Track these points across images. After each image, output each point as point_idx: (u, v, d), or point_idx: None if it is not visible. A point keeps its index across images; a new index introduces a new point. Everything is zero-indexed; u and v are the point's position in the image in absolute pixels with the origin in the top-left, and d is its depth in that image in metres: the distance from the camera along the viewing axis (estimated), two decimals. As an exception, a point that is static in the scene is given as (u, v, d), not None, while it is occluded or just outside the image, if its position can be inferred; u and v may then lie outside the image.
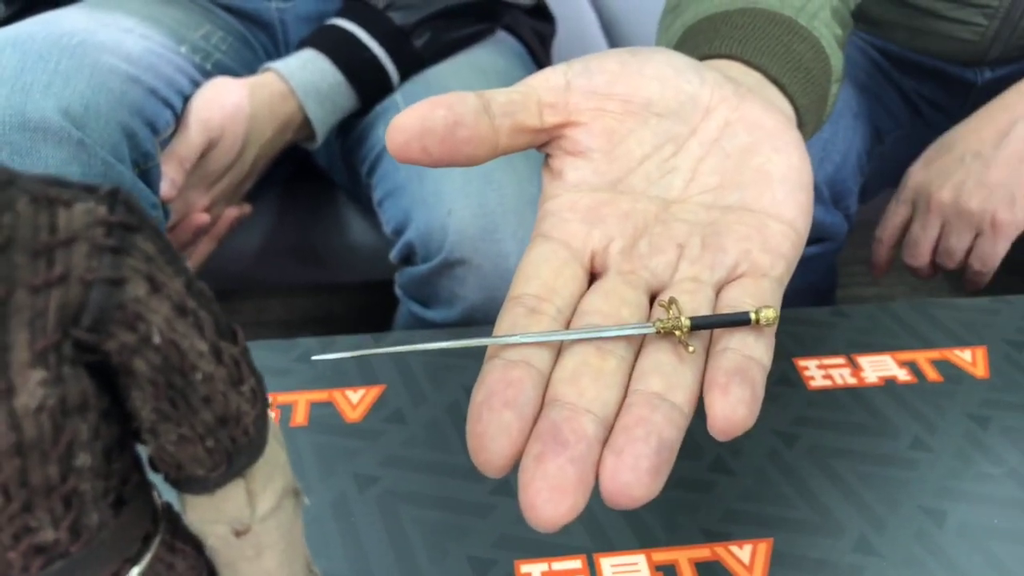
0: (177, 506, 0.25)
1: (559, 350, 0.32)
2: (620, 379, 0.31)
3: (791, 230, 0.37)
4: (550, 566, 0.48)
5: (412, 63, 0.91)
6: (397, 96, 0.90)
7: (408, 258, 0.82)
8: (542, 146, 0.39)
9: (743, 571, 0.48)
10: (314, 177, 1.07)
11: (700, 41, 0.46)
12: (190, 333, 0.21)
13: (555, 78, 0.38)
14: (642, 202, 0.37)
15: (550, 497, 0.27)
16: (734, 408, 0.29)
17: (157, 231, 0.21)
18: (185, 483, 0.23)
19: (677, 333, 0.31)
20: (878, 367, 0.62)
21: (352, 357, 0.32)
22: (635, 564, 0.48)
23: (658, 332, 0.32)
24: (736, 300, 0.34)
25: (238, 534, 0.24)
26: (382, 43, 0.89)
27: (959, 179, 0.79)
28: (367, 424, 0.56)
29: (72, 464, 0.20)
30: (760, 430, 0.57)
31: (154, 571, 0.24)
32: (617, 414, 0.30)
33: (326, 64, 0.87)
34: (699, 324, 0.32)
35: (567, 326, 0.33)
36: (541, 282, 0.34)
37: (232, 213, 0.87)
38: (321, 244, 1.06)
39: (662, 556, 0.48)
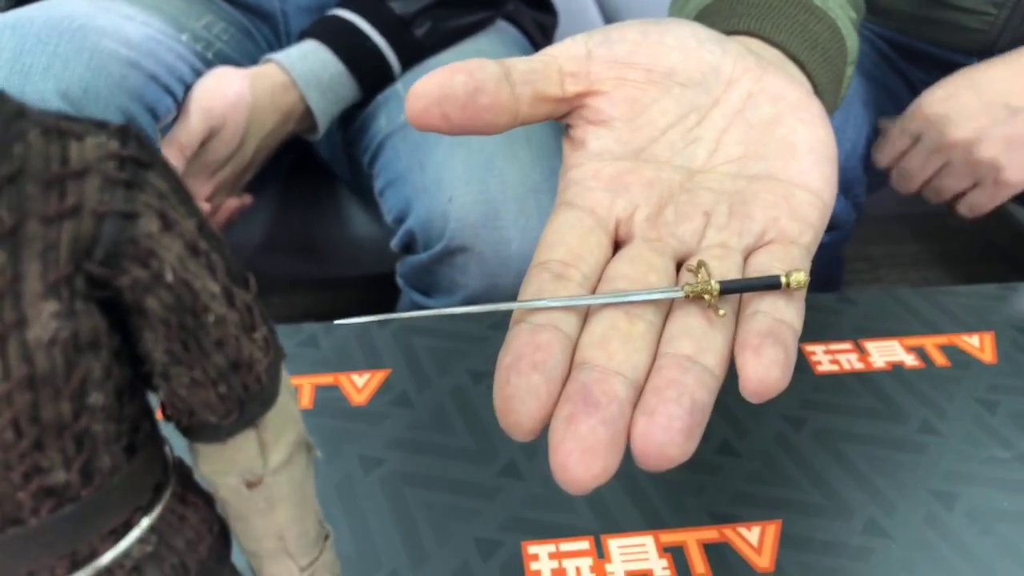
0: (189, 461, 0.25)
1: (586, 315, 0.31)
2: (649, 343, 0.31)
3: (818, 199, 0.36)
4: (557, 547, 0.47)
5: (413, 52, 0.90)
6: (398, 85, 0.90)
7: (409, 246, 0.82)
8: (562, 116, 0.38)
9: (752, 553, 0.47)
10: (315, 171, 1.07)
11: (717, 19, 0.46)
12: (202, 274, 0.21)
13: (575, 47, 0.38)
14: (666, 171, 0.37)
15: (582, 459, 0.26)
16: (768, 369, 0.29)
17: (169, 169, 0.20)
18: (197, 431, 0.23)
19: (706, 297, 0.31)
20: (885, 352, 0.61)
21: (374, 321, 0.32)
22: (643, 545, 0.48)
23: (687, 296, 0.31)
24: (765, 265, 0.33)
25: (250, 485, 0.24)
26: (383, 32, 0.88)
27: (982, 126, 0.77)
28: (372, 407, 0.56)
29: (84, 402, 0.20)
30: (767, 414, 0.56)
31: (165, 521, 0.24)
32: (647, 377, 0.29)
33: (327, 54, 0.87)
34: (729, 288, 0.31)
35: (594, 292, 0.32)
36: (567, 248, 0.33)
37: (232, 203, 0.87)
38: (322, 237, 1.06)
39: (670, 538, 0.48)
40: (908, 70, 0.94)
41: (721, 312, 0.31)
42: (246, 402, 0.23)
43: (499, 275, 0.76)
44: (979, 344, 0.62)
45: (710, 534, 0.48)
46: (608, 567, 0.46)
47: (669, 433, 0.27)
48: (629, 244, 0.35)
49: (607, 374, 0.29)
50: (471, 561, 0.47)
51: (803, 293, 0.33)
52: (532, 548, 0.47)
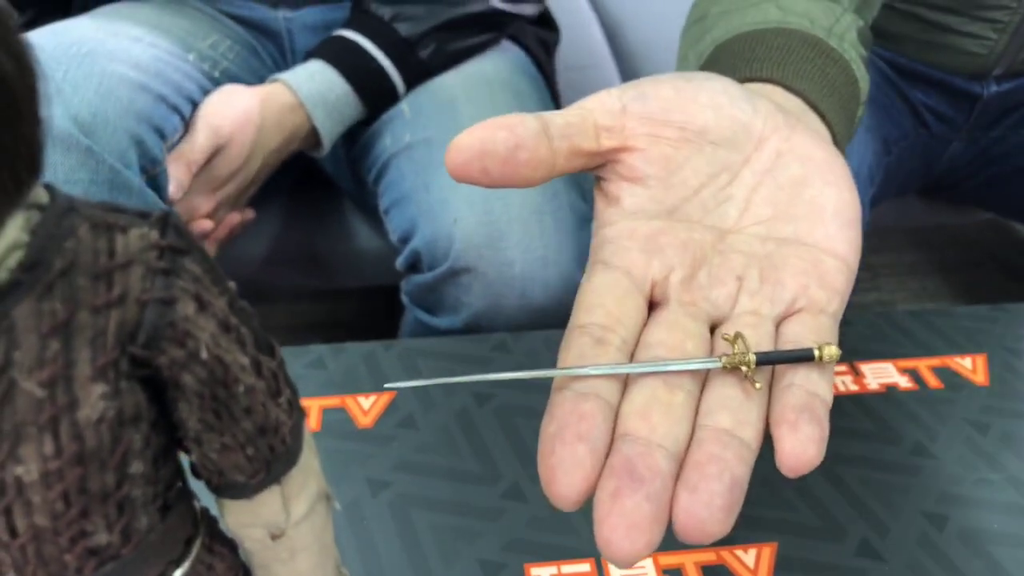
0: (214, 511, 0.26)
1: (625, 382, 0.32)
2: (688, 413, 0.31)
3: (844, 266, 0.37)
4: (559, 569, 0.49)
5: (418, 73, 0.92)
6: (403, 105, 0.91)
7: (414, 266, 0.83)
8: (595, 168, 0.39)
9: (748, 574, 0.49)
10: (320, 183, 1.08)
11: (737, 62, 0.46)
12: (233, 348, 0.22)
13: (610, 102, 0.38)
14: (698, 231, 0.37)
15: (628, 534, 0.27)
16: (805, 447, 0.30)
17: (203, 253, 0.22)
18: (226, 489, 0.24)
19: (744, 368, 0.32)
20: (880, 374, 0.63)
21: (426, 385, 0.33)
22: (642, 567, 0.49)
23: (724, 367, 0.32)
24: (797, 335, 0.34)
25: (274, 537, 0.25)
26: (388, 54, 0.90)
27: None
28: (379, 429, 0.57)
29: (127, 472, 0.21)
30: (764, 437, 0.58)
31: (195, 572, 0.25)
32: (687, 449, 0.30)
33: (333, 75, 0.88)
34: (765, 360, 0.32)
35: (631, 358, 0.33)
36: (605, 311, 0.34)
37: (234, 219, 0.88)
38: (326, 249, 1.07)
39: (669, 560, 0.49)
40: (908, 90, 0.95)
41: (757, 385, 0.32)
42: (272, 462, 0.24)
43: (502, 295, 0.77)
44: (972, 366, 0.64)
45: (708, 556, 0.50)
46: (609, 589, 0.48)
47: (711, 510, 0.28)
48: (664, 307, 0.35)
49: (650, 447, 0.29)
50: (476, 583, 0.48)
51: (833, 365, 0.34)
52: (535, 570, 0.49)
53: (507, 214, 0.77)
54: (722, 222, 0.38)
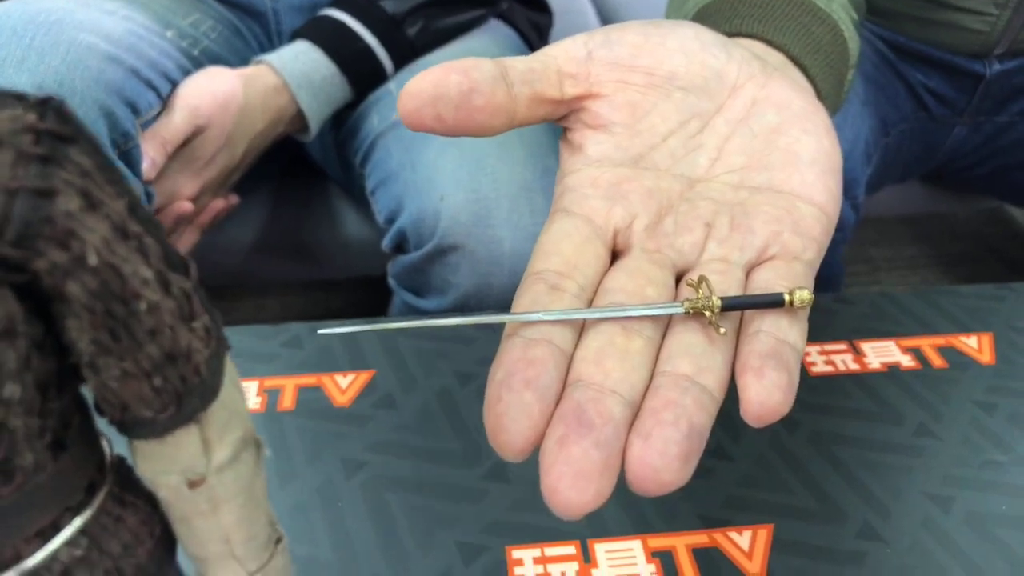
0: (131, 460, 0.24)
1: (582, 329, 0.30)
2: (647, 360, 0.29)
3: (822, 213, 0.35)
4: (543, 552, 0.46)
5: (405, 52, 0.89)
6: (391, 85, 0.89)
7: (400, 246, 0.80)
8: (560, 119, 0.37)
9: (742, 557, 0.46)
10: (307, 172, 1.06)
11: (718, 20, 0.45)
12: (132, 258, 0.20)
13: (575, 48, 0.36)
14: (666, 180, 0.35)
15: (574, 483, 0.25)
16: (770, 393, 0.28)
17: (96, 145, 0.19)
18: (132, 427, 0.22)
19: (707, 313, 0.30)
20: (881, 353, 0.60)
21: (359, 331, 0.30)
22: (630, 550, 0.46)
23: (687, 312, 0.30)
24: (768, 282, 0.32)
25: (192, 485, 0.22)
26: (375, 32, 0.87)
27: None
28: (356, 409, 0.55)
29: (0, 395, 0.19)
30: (760, 416, 0.55)
31: (99, 523, 0.22)
32: (644, 397, 0.28)
33: (319, 55, 0.86)
34: (730, 305, 0.30)
35: (590, 304, 0.31)
36: (562, 258, 0.32)
37: (218, 204, 0.85)
38: (314, 239, 1.05)
39: (658, 542, 0.47)
40: (907, 71, 0.93)
41: (722, 330, 0.30)
42: (184, 395, 0.21)
43: (491, 274, 0.74)
44: (977, 345, 0.61)
45: (700, 539, 0.47)
46: (595, 572, 0.45)
47: (665, 458, 0.26)
48: (627, 255, 0.33)
49: (602, 393, 0.27)
50: (454, 567, 0.45)
51: (806, 312, 0.32)
52: (516, 553, 0.46)
53: (496, 191, 0.74)
54: (691, 171, 0.36)
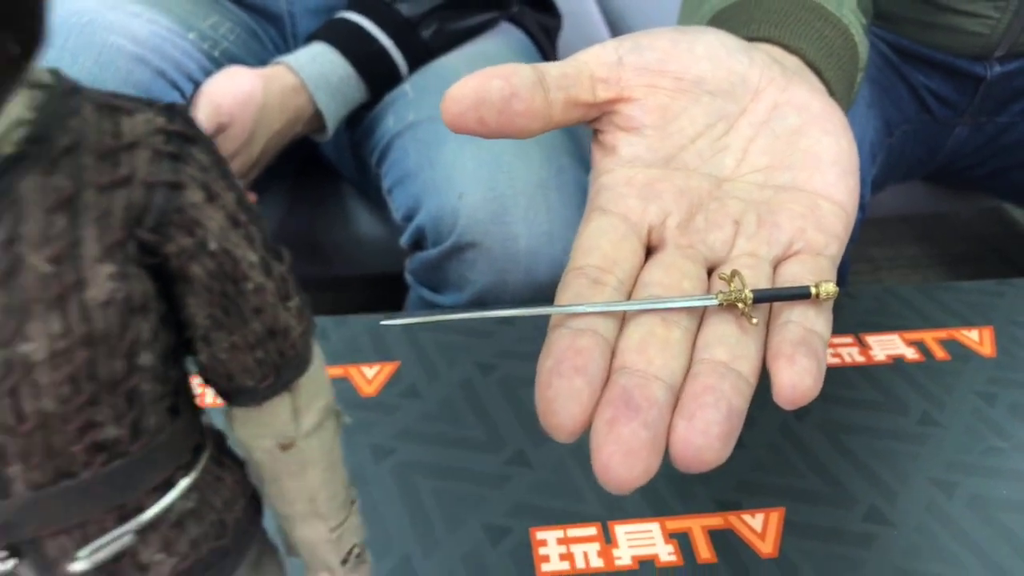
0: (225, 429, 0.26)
1: (623, 320, 0.32)
2: (685, 349, 0.31)
3: (842, 211, 0.37)
4: (565, 533, 0.48)
5: (420, 54, 0.91)
6: (406, 86, 0.91)
7: (419, 243, 0.83)
8: (592, 121, 0.39)
9: (756, 539, 0.48)
10: (321, 171, 1.08)
11: (735, 25, 0.47)
12: (242, 244, 0.22)
13: (606, 54, 0.38)
14: (695, 179, 0.37)
15: (624, 461, 0.27)
16: (801, 378, 0.30)
17: (211, 145, 0.21)
18: (235, 395, 0.24)
19: (740, 305, 0.32)
20: (886, 346, 0.62)
21: (420, 323, 0.32)
22: (649, 532, 0.49)
23: (721, 304, 0.32)
24: (795, 275, 0.34)
25: (284, 448, 0.25)
26: (391, 35, 0.89)
27: None
28: (382, 398, 0.57)
29: (135, 362, 0.21)
30: (770, 404, 0.57)
31: (204, 481, 0.25)
32: (683, 382, 0.30)
33: (336, 57, 0.88)
34: (761, 297, 0.32)
35: (628, 297, 0.33)
36: (602, 254, 0.34)
37: None
38: (328, 238, 1.07)
39: (676, 524, 0.49)
40: (910, 74, 0.95)
41: (754, 321, 0.32)
42: (281, 367, 0.24)
43: (507, 271, 0.77)
44: (978, 338, 0.63)
45: (715, 521, 0.49)
46: (615, 552, 0.47)
47: (707, 438, 0.28)
48: (662, 251, 0.35)
49: (647, 379, 0.29)
50: (481, 547, 0.48)
51: (831, 304, 0.34)
52: (540, 534, 0.48)
53: (512, 188, 0.77)
54: (719, 171, 0.38)
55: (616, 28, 1.27)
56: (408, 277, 0.87)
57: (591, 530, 0.49)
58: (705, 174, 0.38)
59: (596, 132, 0.40)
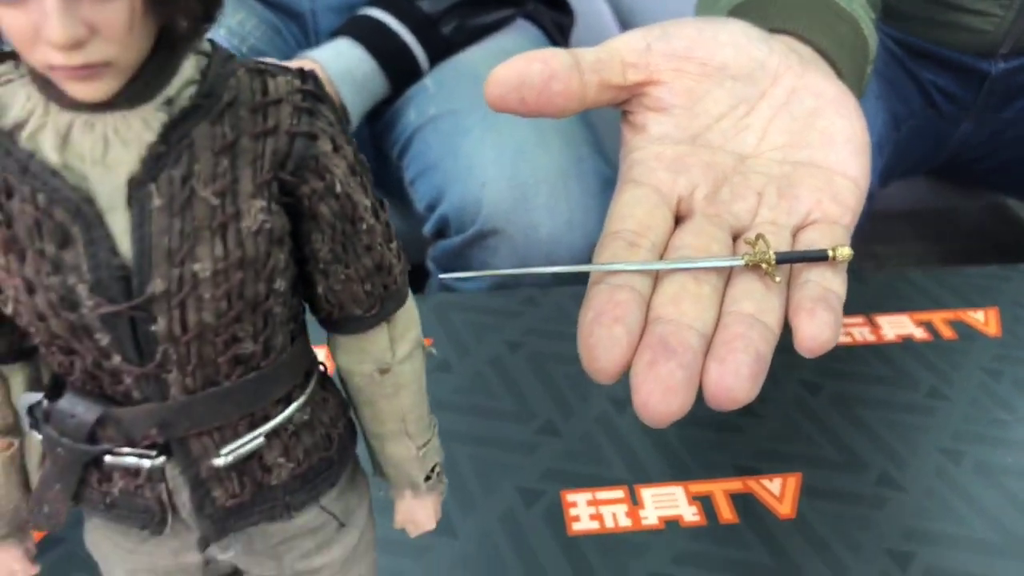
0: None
1: (656, 279, 0.35)
2: (715, 302, 0.34)
3: (855, 186, 0.41)
4: (594, 495, 0.51)
5: (440, 50, 0.94)
6: (426, 81, 0.94)
7: (442, 231, 0.85)
8: (621, 103, 0.42)
9: (774, 501, 0.51)
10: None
11: (751, 19, 0.49)
12: (359, 190, 0.26)
13: (635, 41, 0.41)
14: (720, 155, 0.41)
15: (663, 398, 0.30)
16: (821, 329, 0.33)
17: (335, 105, 0.25)
18: (344, 323, 0.28)
19: (764, 265, 0.35)
20: (896, 326, 0.65)
21: (476, 276, 0.36)
22: (673, 494, 0.51)
23: (747, 264, 0.35)
24: (813, 241, 0.37)
25: (382, 372, 0.28)
26: (412, 30, 0.92)
27: None
28: (416, 372, 0.60)
29: (273, 286, 0.25)
30: (786, 380, 0.60)
31: (315, 399, 0.28)
32: (714, 332, 0.33)
33: (360, 52, 0.91)
34: (784, 258, 0.35)
35: (661, 259, 0.36)
36: (636, 220, 0.37)
37: None
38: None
39: (698, 488, 0.52)
40: (916, 70, 0.97)
41: (777, 279, 0.35)
42: (385, 299, 0.27)
43: (528, 257, 0.79)
44: (984, 319, 0.66)
45: (735, 485, 0.52)
46: (642, 512, 0.50)
47: (738, 378, 0.31)
48: (690, 219, 0.38)
49: (680, 327, 0.32)
50: (515, 508, 0.50)
51: (846, 265, 0.37)
52: (571, 496, 0.51)
53: (534, 177, 0.79)
54: (741, 148, 0.41)
55: (627, 26, 1.30)
56: (430, 264, 0.90)
57: (619, 492, 0.51)
58: (729, 151, 0.41)
59: (626, 113, 0.43)
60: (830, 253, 0.36)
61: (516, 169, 0.80)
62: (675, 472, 0.53)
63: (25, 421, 0.26)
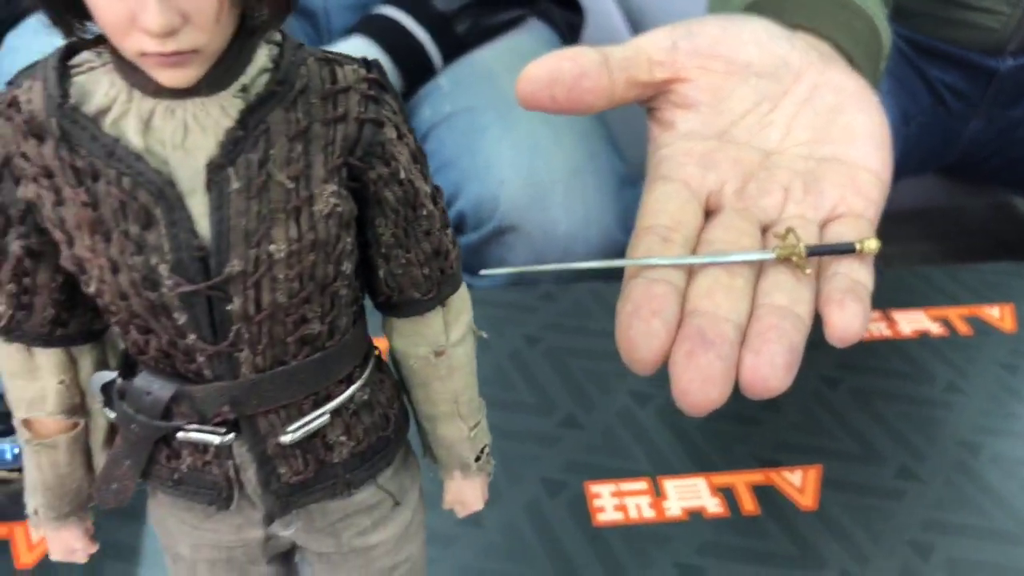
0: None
1: (690, 272, 0.36)
2: (748, 295, 0.35)
3: (878, 179, 0.41)
4: (618, 486, 0.52)
5: (454, 48, 0.95)
6: (440, 79, 0.94)
7: (459, 228, 0.86)
8: (647, 100, 0.43)
9: (796, 493, 0.52)
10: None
11: (769, 17, 0.50)
12: (419, 177, 0.26)
13: (661, 39, 0.42)
14: (746, 151, 0.41)
15: (702, 387, 0.31)
16: (851, 320, 0.34)
17: (398, 95, 0.26)
18: (402, 306, 0.28)
19: (794, 258, 0.35)
20: (912, 321, 0.66)
21: (517, 272, 0.37)
22: (695, 486, 0.52)
23: (777, 258, 0.36)
24: (839, 235, 0.38)
25: (437, 355, 0.29)
26: (427, 29, 0.93)
27: None
28: (439, 365, 0.60)
29: (340, 268, 0.25)
30: (803, 374, 0.60)
31: (373, 380, 0.29)
32: (748, 323, 0.34)
33: (375, 50, 0.91)
34: (813, 251, 0.36)
35: (694, 253, 0.37)
36: (669, 215, 0.38)
37: None
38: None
39: (720, 479, 0.52)
40: (925, 68, 0.98)
41: (808, 271, 0.36)
42: (441, 283, 0.28)
43: (545, 253, 0.80)
44: (999, 315, 0.67)
45: (757, 477, 0.53)
46: (665, 504, 0.51)
47: (773, 368, 0.32)
48: (720, 213, 0.39)
49: (717, 319, 0.33)
50: (540, 499, 0.51)
51: (872, 258, 0.38)
52: (595, 487, 0.52)
53: (550, 175, 0.80)
54: (766, 144, 0.42)
55: (636, 25, 1.31)
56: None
57: (642, 484, 0.52)
58: (754, 147, 0.42)
59: (652, 110, 0.44)
60: (857, 246, 0.37)
61: (533, 167, 0.80)
62: (697, 465, 0.53)
63: (98, 399, 0.27)
